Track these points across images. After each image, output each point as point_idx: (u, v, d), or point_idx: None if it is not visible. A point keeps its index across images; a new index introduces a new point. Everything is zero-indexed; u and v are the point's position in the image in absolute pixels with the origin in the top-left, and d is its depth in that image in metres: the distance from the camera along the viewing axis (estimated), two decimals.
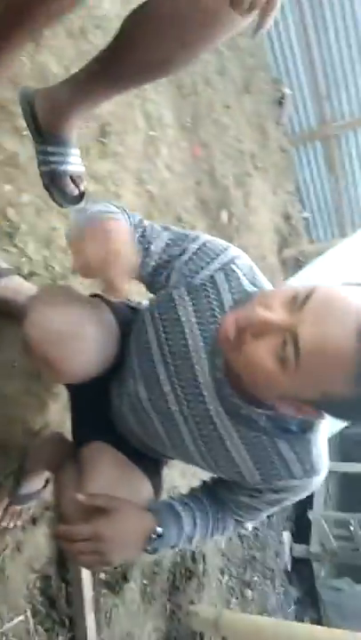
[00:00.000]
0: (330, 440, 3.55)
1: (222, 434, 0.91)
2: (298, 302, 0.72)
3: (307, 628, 2.00)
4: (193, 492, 1.07)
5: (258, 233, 3.55)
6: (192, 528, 0.97)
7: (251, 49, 4.10)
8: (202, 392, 0.89)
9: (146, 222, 0.98)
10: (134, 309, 1.12)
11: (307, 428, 0.89)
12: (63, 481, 1.08)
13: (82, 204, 1.04)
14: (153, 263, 0.93)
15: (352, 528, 3.43)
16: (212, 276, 0.89)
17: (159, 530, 0.91)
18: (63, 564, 1.54)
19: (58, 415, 1.54)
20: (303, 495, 0.97)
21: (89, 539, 0.86)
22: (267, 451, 0.90)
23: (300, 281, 2.55)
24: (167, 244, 0.93)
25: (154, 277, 0.94)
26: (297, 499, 0.98)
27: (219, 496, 1.04)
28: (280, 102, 4.74)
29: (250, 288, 0.89)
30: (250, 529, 1.11)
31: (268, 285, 0.93)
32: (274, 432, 0.89)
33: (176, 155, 2.65)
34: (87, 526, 0.86)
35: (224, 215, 3.14)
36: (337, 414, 0.78)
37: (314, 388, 0.73)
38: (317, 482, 0.94)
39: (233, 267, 0.90)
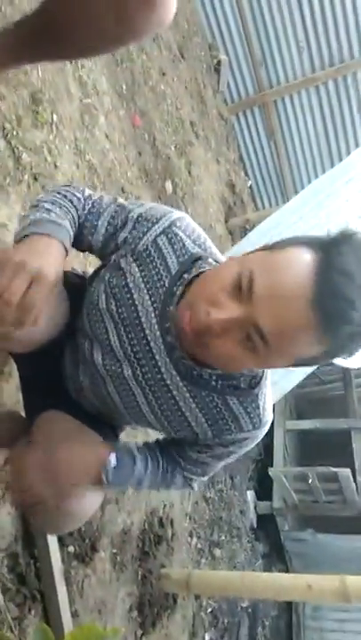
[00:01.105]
0: (286, 400, 3.66)
1: (175, 394, 0.92)
2: (244, 291, 0.74)
3: (270, 575, 2.10)
4: (147, 444, 1.09)
5: (203, 202, 3.55)
6: (143, 471, 0.99)
7: (184, 13, 4.02)
8: (154, 356, 0.90)
9: (94, 196, 0.98)
10: (82, 278, 1.11)
11: (254, 384, 0.93)
12: (15, 452, 1.06)
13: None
14: (101, 238, 0.94)
15: (310, 481, 3.60)
16: (154, 241, 0.90)
17: (113, 459, 0.92)
18: (30, 540, 1.54)
19: (12, 395, 1.51)
20: (250, 447, 1.02)
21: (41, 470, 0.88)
22: (218, 408, 0.92)
23: (240, 250, 2.59)
24: (112, 217, 0.94)
25: (103, 250, 0.95)
26: (243, 452, 1.01)
27: (170, 453, 1.06)
28: (216, 69, 4.70)
29: (194, 249, 0.90)
30: (196, 488, 1.13)
31: (212, 247, 0.94)
32: (224, 390, 0.91)
33: (115, 123, 2.59)
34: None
35: (169, 185, 3.11)
36: (305, 365, 0.83)
37: (286, 359, 0.78)
38: (263, 433, 0.99)
39: (175, 229, 0.90)
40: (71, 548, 1.75)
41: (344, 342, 0.73)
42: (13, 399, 1.50)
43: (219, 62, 4.74)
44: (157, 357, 0.90)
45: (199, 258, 0.90)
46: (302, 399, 5.58)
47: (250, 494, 4.07)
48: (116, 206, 0.95)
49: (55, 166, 1.94)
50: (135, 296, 0.89)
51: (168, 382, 0.91)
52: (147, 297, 0.89)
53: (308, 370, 2.79)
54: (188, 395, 0.92)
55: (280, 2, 4.52)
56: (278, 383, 2.73)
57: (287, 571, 4.05)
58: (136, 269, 0.90)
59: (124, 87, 2.80)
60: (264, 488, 4.21)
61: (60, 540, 1.68)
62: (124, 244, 0.91)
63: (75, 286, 1.04)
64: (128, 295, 0.90)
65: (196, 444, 1.00)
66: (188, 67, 3.85)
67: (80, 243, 0.97)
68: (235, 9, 4.64)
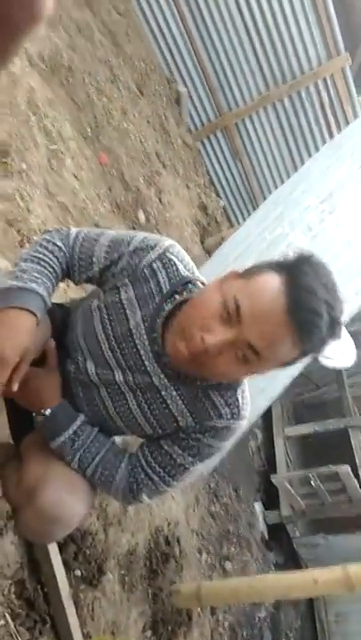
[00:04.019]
0: (282, 407, 3.75)
1: (164, 395, 1.04)
2: (232, 316, 0.87)
3: (276, 576, 2.16)
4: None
5: (177, 227, 3.70)
6: (85, 436, 1.06)
7: (139, 54, 4.24)
8: (143, 362, 1.03)
9: (82, 233, 1.10)
10: (62, 306, 1.24)
11: (234, 381, 1.05)
12: (5, 472, 1.16)
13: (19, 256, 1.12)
14: (97, 269, 1.06)
15: (313, 483, 3.65)
16: (150, 266, 1.03)
17: (50, 410, 1.04)
18: (35, 566, 1.60)
19: (3, 426, 1.59)
20: (227, 439, 1.08)
21: None
22: (200, 399, 1.04)
23: (214, 265, 2.71)
24: (107, 252, 1.06)
25: (101, 278, 1.08)
26: (217, 446, 1.06)
27: (132, 453, 1.12)
28: (177, 100, 4.92)
29: (185, 273, 1.04)
30: (146, 500, 1.10)
31: (198, 272, 1.08)
32: (207, 386, 1.04)
33: (82, 164, 2.73)
34: None
35: (141, 215, 3.26)
36: (289, 365, 0.96)
37: (274, 364, 0.92)
38: (241, 426, 1.07)
39: (168, 255, 1.04)
40: (78, 572, 1.81)
41: (316, 343, 0.88)
42: (6, 432, 1.59)
43: (178, 94, 4.97)
44: (147, 363, 1.03)
45: (189, 281, 1.03)
46: (299, 406, 5.65)
47: (257, 506, 4.11)
48: (109, 241, 1.07)
49: (28, 210, 2.07)
50: (128, 311, 1.03)
51: (157, 384, 1.03)
52: (138, 312, 1.02)
53: (292, 374, 2.88)
54: (174, 393, 1.04)
55: (228, 30, 4.77)
56: (266, 390, 2.82)
57: None
58: (130, 288, 1.03)
59: (89, 130, 2.96)
60: (271, 498, 4.25)
61: (67, 565, 1.74)
62: (121, 272, 1.04)
63: (56, 317, 1.16)
64: (122, 310, 1.03)
65: (174, 433, 1.07)
66: (149, 102, 4.05)
67: (76, 278, 1.10)
68: (187, 42, 4.89)
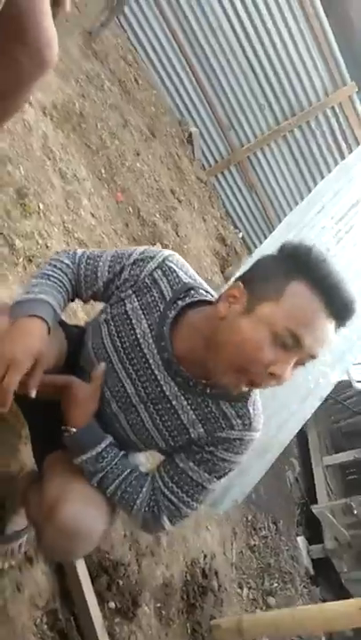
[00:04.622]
0: (319, 437, 3.66)
1: (174, 404, 1.04)
2: (291, 345, 0.92)
3: (319, 606, 2.04)
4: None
5: (195, 257, 3.76)
6: (110, 458, 1.04)
7: (148, 99, 4.45)
8: (153, 371, 1.03)
9: (87, 253, 1.16)
10: (79, 328, 1.28)
11: (244, 393, 1.04)
12: (28, 496, 1.17)
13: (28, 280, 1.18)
14: (101, 284, 1.10)
15: (355, 511, 3.49)
16: (151, 275, 1.05)
17: (78, 429, 1.05)
18: (67, 596, 1.58)
19: (30, 456, 1.61)
20: (242, 452, 1.06)
21: None
22: (211, 409, 1.04)
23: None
24: (109, 266, 1.10)
25: (105, 292, 1.11)
26: (233, 460, 1.05)
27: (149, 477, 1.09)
28: (189, 140, 5.11)
29: (186, 279, 1.06)
30: (167, 525, 1.06)
31: (200, 279, 1.11)
32: (218, 396, 1.04)
33: (98, 203, 2.85)
34: None
35: (159, 248, 3.34)
36: None
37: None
38: (254, 438, 1.07)
39: (168, 263, 1.07)
40: (112, 604, 1.76)
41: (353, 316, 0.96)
42: (31, 460, 1.60)
43: (190, 135, 5.16)
44: (156, 372, 1.03)
45: (191, 288, 1.05)
46: (337, 434, 5.47)
47: (300, 540, 3.93)
48: (111, 256, 1.11)
49: (47, 247, 2.16)
50: (134, 321, 1.05)
51: (167, 393, 1.04)
52: (144, 321, 1.04)
53: (322, 395, 2.82)
54: (185, 402, 1.04)
55: (234, 69, 4.98)
56: (296, 413, 2.77)
57: None
58: (135, 299, 1.06)
59: (103, 171, 3.10)
60: (314, 531, 4.07)
61: (100, 596, 1.70)
62: (124, 284, 1.07)
63: (72, 334, 1.19)
64: (128, 321, 1.05)
65: (187, 446, 1.06)
66: (161, 143, 4.21)
67: (83, 295, 1.14)
68: (195, 85, 5.12)
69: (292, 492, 4.22)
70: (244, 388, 0.97)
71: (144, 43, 4.93)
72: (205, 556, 2.47)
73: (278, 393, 2.75)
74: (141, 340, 1.04)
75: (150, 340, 1.03)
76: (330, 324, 0.93)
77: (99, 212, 2.80)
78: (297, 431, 2.79)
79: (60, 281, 1.10)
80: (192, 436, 1.05)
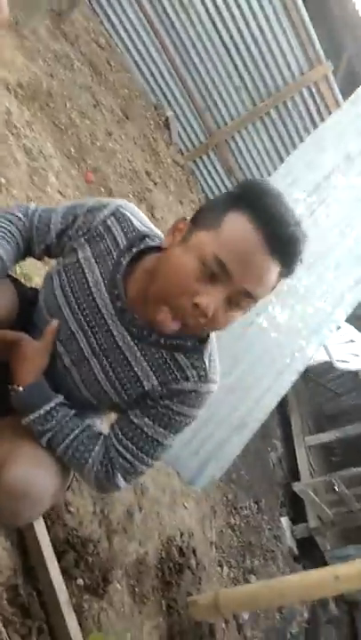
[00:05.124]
0: (301, 418, 3.63)
1: (128, 355, 1.00)
2: (218, 273, 0.85)
3: (296, 576, 2.03)
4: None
5: None
6: (60, 417, 1.00)
7: (121, 82, 4.38)
8: (106, 321, 0.99)
9: (41, 207, 1.12)
10: (33, 289, 1.23)
11: (200, 341, 1.01)
12: None
13: None
14: (54, 235, 1.06)
15: (338, 488, 3.49)
16: (104, 222, 1.01)
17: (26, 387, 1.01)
18: (30, 573, 1.54)
19: None
20: (198, 406, 1.01)
21: None
22: (165, 360, 1.00)
23: None
24: (63, 217, 1.06)
25: (58, 244, 1.07)
26: (191, 411, 1.01)
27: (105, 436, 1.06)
28: (165, 124, 5.05)
29: (141, 227, 1.01)
30: (122, 484, 1.03)
31: (155, 229, 1.06)
32: (172, 347, 0.99)
33: (67, 182, 2.79)
34: None
35: None
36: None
37: (265, 297, 0.92)
38: (211, 390, 1.02)
39: (122, 210, 1.02)
40: (80, 581, 1.72)
41: (298, 259, 0.89)
42: None
43: (167, 119, 5.10)
44: (109, 322, 0.99)
45: (146, 236, 1.00)
46: (319, 415, 5.49)
47: (284, 520, 3.93)
48: (65, 207, 1.08)
49: None
50: (86, 270, 1.00)
51: (120, 344, 1.00)
52: (96, 269, 1.00)
53: (298, 369, 2.80)
54: (138, 353, 1.00)
55: (209, 51, 4.92)
56: (272, 387, 2.74)
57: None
58: (87, 247, 1.01)
59: (72, 150, 3.04)
60: (298, 512, 4.08)
61: (67, 573, 1.66)
62: (76, 233, 1.03)
63: (26, 293, 1.15)
64: (80, 270, 1.01)
65: (142, 401, 1.02)
66: (135, 125, 4.15)
67: (36, 249, 1.10)
68: (170, 69, 5.05)
69: (275, 472, 4.22)
70: (173, 326, 0.90)
71: (117, 26, 4.85)
72: (182, 534, 2.44)
73: (254, 366, 2.73)
74: (94, 290, 0.99)
75: (103, 289, 0.99)
76: (270, 263, 0.85)
77: (67, 190, 2.74)
78: (274, 406, 2.77)
79: (10, 232, 1.05)
80: (146, 388, 1.01)
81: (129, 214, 1.02)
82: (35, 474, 0.98)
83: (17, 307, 1.11)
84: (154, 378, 1.00)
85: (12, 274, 1.17)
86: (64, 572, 1.65)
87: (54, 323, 1.04)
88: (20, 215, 1.10)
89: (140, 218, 1.04)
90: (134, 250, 0.99)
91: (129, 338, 0.99)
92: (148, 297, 0.93)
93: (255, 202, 0.85)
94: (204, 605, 2.12)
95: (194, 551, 2.47)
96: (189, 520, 2.58)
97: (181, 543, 2.40)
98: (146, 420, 1.01)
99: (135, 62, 5.01)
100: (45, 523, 1.63)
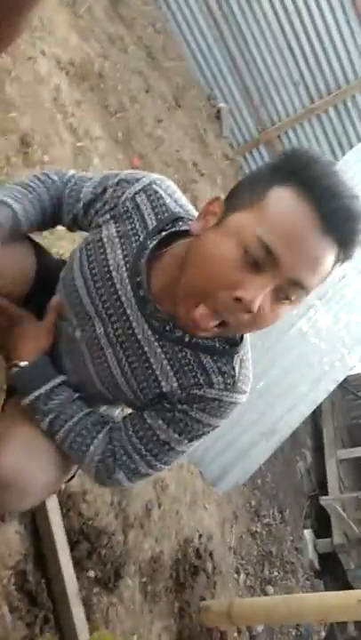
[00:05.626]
0: (335, 430, 3.50)
1: (146, 350, 0.89)
2: (262, 259, 0.72)
3: (316, 596, 1.91)
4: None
5: None
6: (64, 398, 0.93)
7: (176, 69, 4.31)
8: (125, 310, 0.89)
9: (78, 174, 1.04)
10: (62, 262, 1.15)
11: (231, 344, 0.88)
12: None
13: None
14: (81, 205, 0.97)
15: None
16: (133, 198, 0.90)
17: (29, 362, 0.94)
18: (41, 560, 1.49)
19: None
20: (220, 416, 0.90)
21: None
22: (188, 361, 0.88)
23: None
24: (94, 187, 0.97)
25: (85, 216, 0.98)
26: (212, 420, 0.89)
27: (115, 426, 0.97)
28: (217, 116, 4.94)
29: (175, 209, 0.89)
30: (123, 482, 0.93)
31: (194, 210, 0.94)
32: (197, 346, 0.88)
33: (112, 164, 2.74)
34: None
35: None
36: None
37: (319, 285, 0.78)
38: (238, 401, 0.89)
39: (155, 187, 0.91)
40: (92, 573, 1.67)
41: (357, 238, 0.74)
42: None
43: (219, 110, 4.99)
44: (128, 312, 0.88)
45: (180, 218, 0.89)
46: (355, 429, 5.28)
47: (307, 533, 3.78)
48: (99, 177, 0.98)
49: None
50: (108, 250, 0.89)
51: (139, 337, 0.88)
52: (119, 251, 0.89)
53: (337, 379, 2.66)
54: (159, 350, 0.88)
55: (269, 44, 4.77)
56: (308, 395, 2.62)
57: None
58: (112, 226, 0.91)
59: (120, 134, 2.99)
60: (323, 526, 3.91)
61: (79, 563, 1.61)
62: (103, 207, 0.93)
63: (51, 263, 1.08)
64: (101, 250, 0.90)
65: (158, 403, 0.91)
66: (186, 114, 4.07)
67: (65, 218, 1.02)
68: (227, 60, 4.93)
69: (302, 483, 4.07)
70: (211, 325, 0.76)
71: (175, 12, 4.77)
72: (201, 536, 2.36)
73: (289, 371, 2.61)
74: (114, 274, 0.88)
75: (125, 275, 0.88)
76: (325, 244, 0.71)
77: None
78: (307, 414, 2.65)
79: (38, 193, 0.98)
80: (164, 389, 0.89)
81: (162, 192, 0.90)
82: (25, 462, 0.90)
83: (33, 274, 1.04)
84: (174, 379, 0.88)
85: (36, 239, 1.10)
86: (76, 562, 1.59)
87: (54, 301, 0.97)
88: (56, 178, 1.02)
89: (175, 197, 0.91)
90: (163, 233, 0.87)
91: (150, 332, 0.87)
92: (177, 290, 0.79)
93: (303, 172, 0.72)
94: (217, 613, 2.03)
95: (211, 554, 2.38)
96: (209, 522, 2.49)
97: (199, 545, 2.32)
98: (160, 422, 0.90)
99: (191, 50, 4.91)
100: (61, 510, 1.58)
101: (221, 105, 4.97)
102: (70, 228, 1.06)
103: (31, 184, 0.99)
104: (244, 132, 5.27)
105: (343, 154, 5.10)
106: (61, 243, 1.79)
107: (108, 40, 3.22)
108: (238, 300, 0.72)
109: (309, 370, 2.61)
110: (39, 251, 1.08)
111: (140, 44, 3.72)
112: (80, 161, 2.40)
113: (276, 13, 4.63)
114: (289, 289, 0.73)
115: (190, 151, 3.85)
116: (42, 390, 0.92)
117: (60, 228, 1.09)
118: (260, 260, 0.71)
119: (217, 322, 0.76)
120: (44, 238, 1.71)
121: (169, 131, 3.60)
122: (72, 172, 1.05)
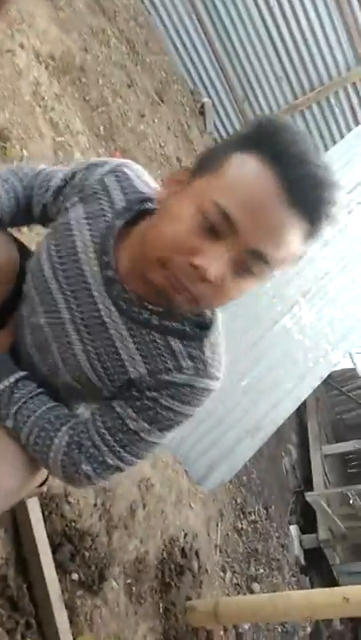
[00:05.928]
0: (320, 426, 3.48)
1: (112, 334, 0.85)
2: (220, 225, 0.69)
3: (302, 593, 1.91)
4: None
5: None
6: (26, 392, 0.89)
7: (159, 64, 4.26)
8: (92, 293, 0.85)
9: (52, 167, 1.01)
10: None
11: (201, 327, 0.85)
12: None
13: None
14: (50, 192, 0.96)
15: (352, 501, 3.34)
16: (101, 180, 0.88)
17: None
18: (23, 564, 1.46)
19: None
20: (192, 403, 0.85)
21: None
22: (157, 345, 0.85)
23: None
24: (65, 173, 0.95)
25: (54, 203, 0.96)
26: (183, 408, 0.85)
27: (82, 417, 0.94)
28: (201, 111, 4.91)
29: (144, 189, 0.87)
30: (91, 475, 0.86)
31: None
32: (166, 330, 0.84)
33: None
34: None
35: None
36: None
37: (288, 264, 0.75)
38: (209, 387, 0.85)
39: (124, 169, 0.89)
40: (75, 576, 1.64)
41: (328, 217, 0.70)
42: None
43: (202, 105, 4.96)
44: (95, 294, 0.85)
45: (149, 198, 0.86)
46: (339, 425, 5.32)
47: (293, 529, 3.80)
48: (73, 164, 0.97)
49: None
50: (75, 232, 0.87)
51: (106, 320, 0.85)
52: (87, 231, 0.86)
53: (321, 375, 2.66)
54: (126, 333, 0.85)
55: (252, 39, 4.76)
56: (292, 391, 2.61)
57: None
58: (80, 207, 0.88)
59: (102, 129, 2.94)
60: (308, 521, 3.94)
61: (61, 566, 1.58)
62: (71, 191, 0.91)
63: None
64: (68, 232, 0.87)
65: (127, 391, 0.87)
66: (169, 110, 4.03)
67: (35, 210, 0.99)
68: (210, 54, 4.91)
69: (287, 479, 4.08)
70: (180, 303, 0.74)
71: (158, 6, 4.72)
72: (186, 535, 2.34)
73: (273, 368, 2.60)
74: (81, 255, 0.85)
75: (92, 255, 0.85)
76: (288, 215, 0.67)
77: None
78: (292, 411, 2.64)
79: (11, 185, 0.96)
80: (132, 376, 0.85)
81: (131, 173, 0.88)
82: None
83: (17, 268, 1.00)
84: (142, 364, 0.84)
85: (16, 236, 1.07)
86: (58, 565, 1.56)
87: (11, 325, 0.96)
88: (27, 171, 1.00)
89: (144, 179, 0.89)
90: (131, 213, 0.85)
91: (117, 314, 0.84)
92: (139, 261, 0.77)
93: (269, 139, 0.68)
94: (203, 612, 2.02)
95: (197, 553, 2.37)
96: (195, 521, 2.47)
97: (184, 544, 2.30)
98: (129, 411, 0.85)
99: (174, 45, 4.88)
100: (43, 512, 1.54)
101: (205, 100, 4.94)
102: (42, 222, 1.03)
103: (3, 175, 0.97)
104: (228, 127, 5.25)
105: (326, 149, 5.11)
106: (40, 239, 1.75)
107: (90, 33, 3.16)
108: (195, 267, 0.69)
109: (294, 366, 2.61)
110: (21, 248, 1.05)
111: (123, 38, 3.67)
112: (61, 156, 2.35)
113: (257, 6, 4.61)
114: (251, 261, 0.70)
115: (174, 146, 3.82)
116: (5, 383, 0.89)
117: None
118: (218, 227, 0.68)
119: (177, 290, 0.73)
120: (22, 235, 1.67)
121: (152, 126, 3.56)
122: (44, 165, 1.03)
